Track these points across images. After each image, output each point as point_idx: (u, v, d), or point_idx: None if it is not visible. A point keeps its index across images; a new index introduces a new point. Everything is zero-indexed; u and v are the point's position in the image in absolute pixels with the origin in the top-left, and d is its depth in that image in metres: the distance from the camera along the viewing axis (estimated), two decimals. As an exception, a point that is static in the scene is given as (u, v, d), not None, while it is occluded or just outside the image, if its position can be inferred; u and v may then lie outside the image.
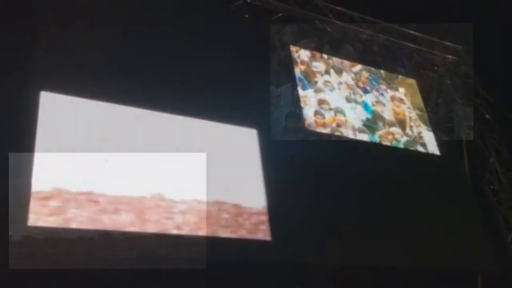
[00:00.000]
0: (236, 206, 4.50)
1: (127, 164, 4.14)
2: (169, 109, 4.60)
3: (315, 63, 6.17)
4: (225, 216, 4.40)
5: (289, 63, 5.87)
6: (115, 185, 4.01)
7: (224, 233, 4.32)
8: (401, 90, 6.77)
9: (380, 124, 6.20)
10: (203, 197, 4.34)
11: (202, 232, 4.21)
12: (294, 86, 5.74)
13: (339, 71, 6.32)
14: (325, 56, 6.32)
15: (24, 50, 4.14)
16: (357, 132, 5.91)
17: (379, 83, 6.62)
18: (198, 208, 4.27)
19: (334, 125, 5.77)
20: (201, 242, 4.15)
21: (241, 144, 4.93)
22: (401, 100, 6.66)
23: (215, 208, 4.37)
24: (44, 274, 3.54)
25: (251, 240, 4.47)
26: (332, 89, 6.08)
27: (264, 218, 4.60)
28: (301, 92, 5.77)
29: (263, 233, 4.52)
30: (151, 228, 4.03)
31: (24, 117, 3.90)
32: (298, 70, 5.94)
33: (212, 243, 4.20)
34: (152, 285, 4.09)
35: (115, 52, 4.60)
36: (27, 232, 3.55)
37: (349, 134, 5.83)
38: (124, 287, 3.96)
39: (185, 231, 4.16)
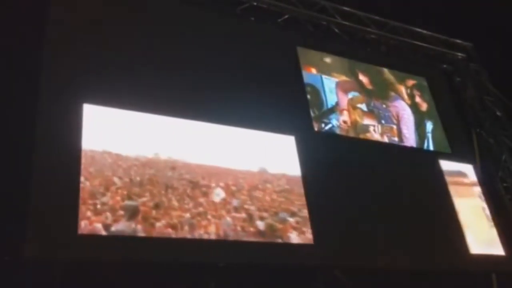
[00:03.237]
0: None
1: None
2: (206, 117, 4.73)
3: (324, 64, 6.12)
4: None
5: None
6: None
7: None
8: (411, 89, 6.72)
9: (394, 122, 6.19)
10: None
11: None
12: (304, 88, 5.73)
13: (349, 71, 6.27)
14: (333, 56, 6.27)
15: (65, 65, 4.27)
16: (370, 133, 5.91)
17: (390, 83, 6.57)
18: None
19: (346, 126, 5.77)
20: (246, 246, 4.24)
21: (281, 150, 4.98)
22: (412, 98, 6.62)
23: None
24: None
25: (295, 244, 4.52)
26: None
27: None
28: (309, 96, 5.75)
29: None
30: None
31: (69, 129, 4.01)
32: (307, 72, 5.91)
33: (255, 247, 4.28)
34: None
35: (151, 64, 4.74)
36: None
37: (358, 134, 5.83)
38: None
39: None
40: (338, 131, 5.65)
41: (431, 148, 6.32)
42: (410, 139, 6.21)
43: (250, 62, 5.45)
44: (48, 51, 4.29)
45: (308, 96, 5.67)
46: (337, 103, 5.86)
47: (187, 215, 3.75)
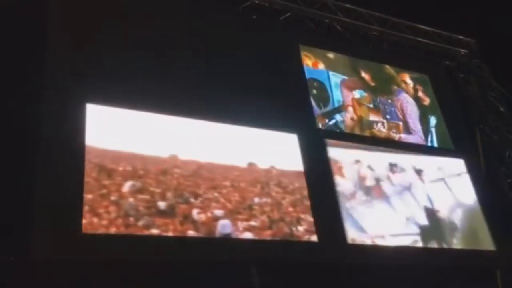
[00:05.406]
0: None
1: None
2: (210, 116, 4.78)
3: (329, 60, 6.12)
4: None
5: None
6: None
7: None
8: (414, 82, 6.71)
9: (399, 117, 6.21)
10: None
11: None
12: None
13: (351, 68, 6.27)
14: (336, 54, 6.26)
15: (69, 65, 4.29)
16: (376, 129, 5.94)
17: (392, 77, 6.57)
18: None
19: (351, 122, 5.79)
20: (250, 243, 4.36)
21: (283, 148, 5.08)
22: (415, 92, 6.62)
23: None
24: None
25: (299, 242, 4.59)
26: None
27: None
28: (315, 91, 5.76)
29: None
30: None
31: (72, 129, 4.06)
32: (313, 68, 5.91)
33: (259, 245, 4.38)
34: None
35: (153, 63, 4.76)
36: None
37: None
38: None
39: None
40: (342, 127, 5.66)
41: (435, 143, 6.32)
42: (418, 132, 6.22)
43: (252, 60, 5.44)
44: (51, 51, 4.30)
45: (314, 91, 5.69)
46: (342, 99, 5.86)
47: (89, 196, 3.90)
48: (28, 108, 4.01)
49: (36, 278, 3.56)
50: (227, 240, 4.33)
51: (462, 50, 7.37)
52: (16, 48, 4.17)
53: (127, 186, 4.08)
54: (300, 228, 4.66)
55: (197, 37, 5.24)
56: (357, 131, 5.75)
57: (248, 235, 4.40)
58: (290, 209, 4.74)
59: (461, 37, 7.37)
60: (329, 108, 5.69)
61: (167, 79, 4.77)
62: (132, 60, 4.68)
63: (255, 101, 5.14)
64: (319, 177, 5.07)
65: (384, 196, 5.40)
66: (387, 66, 6.63)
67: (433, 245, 5.39)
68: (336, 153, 5.38)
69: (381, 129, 5.92)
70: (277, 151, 5.05)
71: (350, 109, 5.85)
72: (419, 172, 5.84)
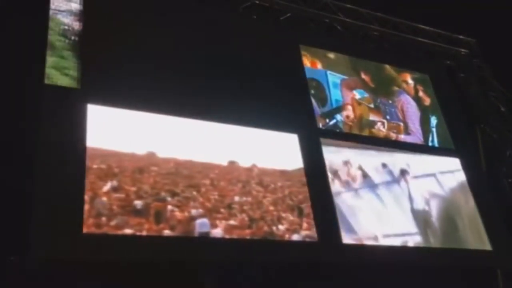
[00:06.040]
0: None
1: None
2: (209, 116, 4.79)
3: (329, 60, 6.12)
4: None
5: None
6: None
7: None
8: (414, 83, 6.70)
9: (400, 117, 6.22)
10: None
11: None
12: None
13: (352, 68, 6.27)
14: (336, 54, 6.25)
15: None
16: (375, 128, 5.93)
17: (392, 78, 6.57)
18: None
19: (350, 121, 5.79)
20: (252, 243, 4.36)
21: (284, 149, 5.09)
22: (415, 93, 6.62)
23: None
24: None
25: (298, 242, 4.59)
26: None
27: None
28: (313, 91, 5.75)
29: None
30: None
31: (73, 130, 4.06)
32: (311, 67, 5.91)
33: (260, 244, 4.40)
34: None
35: (153, 63, 4.77)
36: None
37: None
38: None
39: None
40: (342, 127, 5.66)
41: (436, 143, 6.32)
42: (417, 133, 6.22)
43: (253, 60, 5.44)
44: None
45: (312, 91, 5.68)
46: (341, 98, 5.87)
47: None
48: (28, 108, 4.02)
49: (36, 278, 3.57)
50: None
51: (462, 50, 7.38)
52: (16, 48, 4.18)
53: (107, 186, 4.02)
54: (281, 227, 4.61)
55: (197, 37, 5.24)
56: (356, 131, 5.75)
57: (226, 234, 4.32)
58: (271, 208, 4.68)
59: (461, 36, 7.38)
60: (327, 107, 5.69)
61: (167, 80, 4.77)
62: (132, 60, 4.68)
63: (256, 101, 5.14)
64: (319, 177, 5.07)
65: (379, 196, 5.38)
66: (388, 67, 6.63)
67: (430, 244, 5.38)
68: (334, 152, 5.39)
69: (381, 129, 5.92)
70: (260, 150, 4.98)
71: (350, 108, 5.85)
72: (416, 171, 5.83)
